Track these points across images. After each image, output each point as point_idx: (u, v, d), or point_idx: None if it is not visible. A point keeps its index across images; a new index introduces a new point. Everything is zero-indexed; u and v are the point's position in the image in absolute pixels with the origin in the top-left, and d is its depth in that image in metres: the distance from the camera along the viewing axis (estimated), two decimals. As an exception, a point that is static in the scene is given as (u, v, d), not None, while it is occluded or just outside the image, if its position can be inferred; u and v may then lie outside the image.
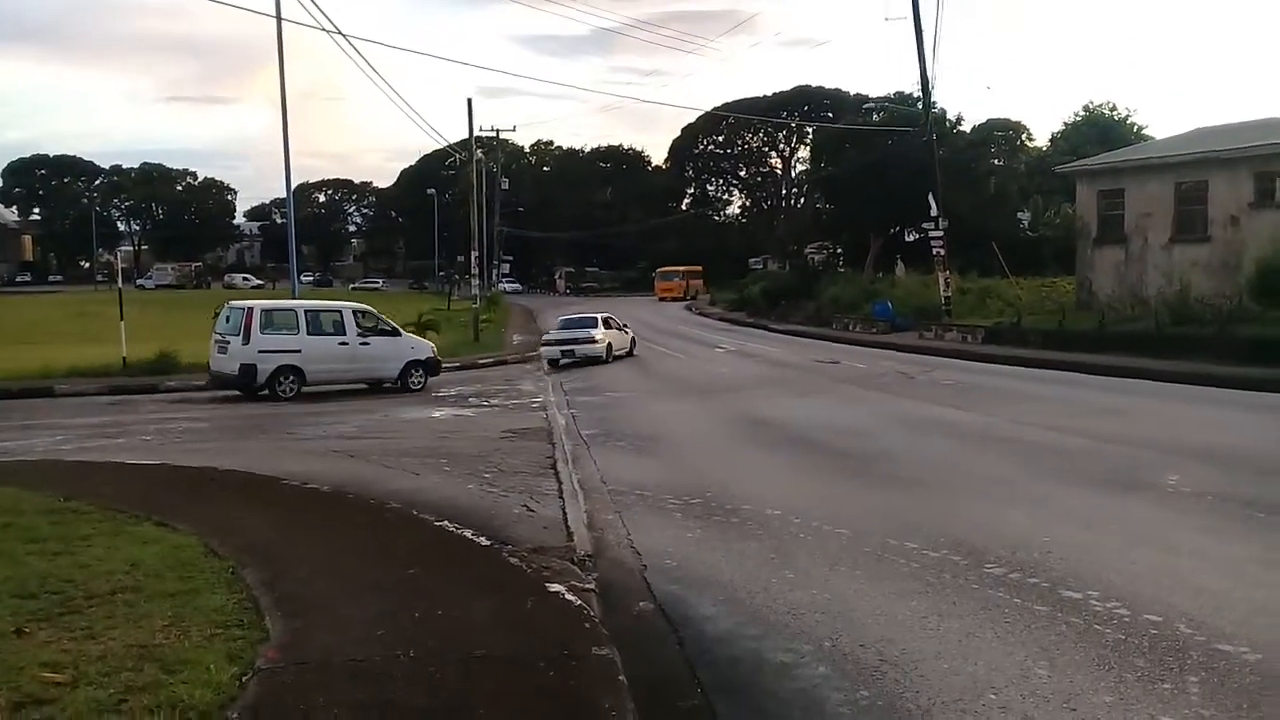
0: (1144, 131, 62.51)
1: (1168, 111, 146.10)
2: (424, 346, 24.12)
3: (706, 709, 5.40)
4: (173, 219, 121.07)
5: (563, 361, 30.85)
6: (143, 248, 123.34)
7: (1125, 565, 7.53)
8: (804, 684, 5.62)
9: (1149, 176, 31.86)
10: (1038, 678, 5.51)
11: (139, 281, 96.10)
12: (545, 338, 33.23)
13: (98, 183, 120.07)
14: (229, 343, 21.54)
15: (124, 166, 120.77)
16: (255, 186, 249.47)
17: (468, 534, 8.70)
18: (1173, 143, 36.84)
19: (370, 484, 11.37)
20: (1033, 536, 8.43)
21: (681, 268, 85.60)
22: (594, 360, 30.79)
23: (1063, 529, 8.69)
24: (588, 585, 7.33)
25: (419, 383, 23.31)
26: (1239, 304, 24.38)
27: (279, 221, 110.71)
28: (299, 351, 21.73)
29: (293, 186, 30.63)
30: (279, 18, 27.27)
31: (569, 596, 6.83)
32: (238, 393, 21.62)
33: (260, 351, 21.33)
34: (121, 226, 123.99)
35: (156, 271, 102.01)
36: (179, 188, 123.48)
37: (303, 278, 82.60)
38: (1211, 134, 33.95)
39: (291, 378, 21.49)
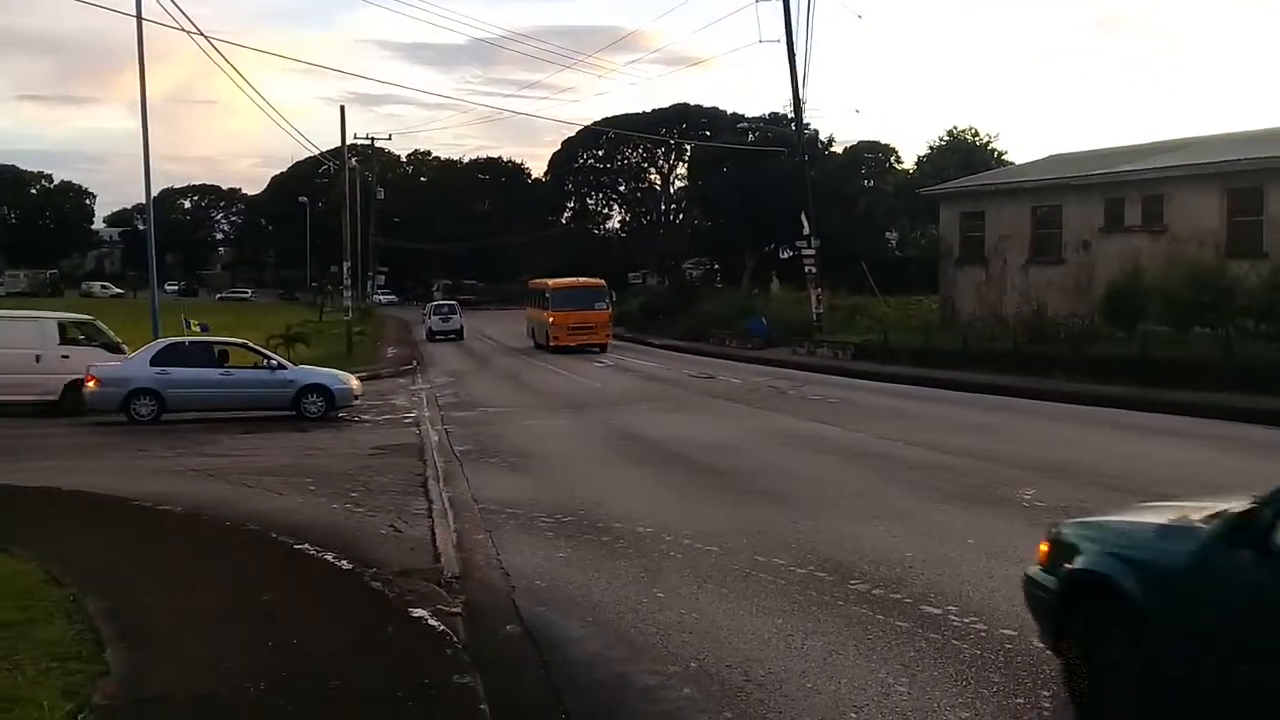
0: (1004, 156, 65.24)
1: (1026, 137, 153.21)
2: None
3: (569, 737, 5.31)
4: (26, 223, 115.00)
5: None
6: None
7: (983, 580, 7.74)
8: (669, 706, 5.59)
9: (1007, 201, 33.21)
10: (899, 695, 5.59)
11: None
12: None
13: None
14: None
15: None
16: (116, 191, 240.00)
17: (329, 557, 8.42)
18: (1029, 168, 38.56)
19: (228, 504, 10.93)
20: (894, 551, 8.60)
21: (594, 281, 44.08)
22: None
23: (924, 544, 8.89)
24: (453, 609, 7.16)
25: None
26: (1091, 324, 25.54)
27: (141, 228, 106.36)
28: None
29: (155, 192, 29.39)
30: (139, 17, 26.18)
31: (432, 621, 6.66)
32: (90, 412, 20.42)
33: None
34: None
35: (8, 278, 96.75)
36: (33, 190, 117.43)
37: (167, 286, 79.57)
38: (1065, 161, 35.61)
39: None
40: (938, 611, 6.99)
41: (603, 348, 40.31)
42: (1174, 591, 4.51)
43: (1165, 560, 4.62)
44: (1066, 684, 5.24)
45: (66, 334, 21.23)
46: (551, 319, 40.70)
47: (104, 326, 22.25)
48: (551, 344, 39.91)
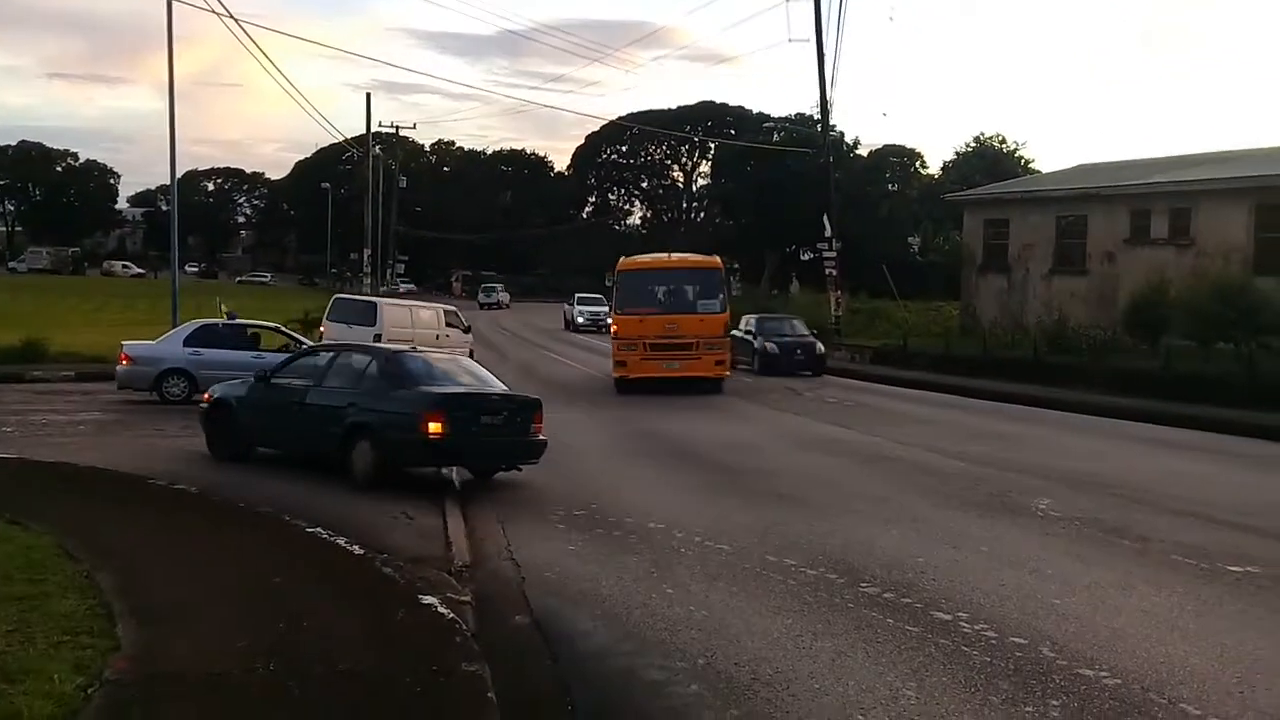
0: (1031, 165, 64.86)
1: (1053, 146, 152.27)
2: None
3: (575, 729, 5.32)
4: (50, 201, 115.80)
5: None
6: (17, 229, 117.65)
7: (994, 587, 7.70)
8: (676, 702, 5.57)
9: (1032, 209, 33.04)
10: (906, 699, 5.56)
11: (11, 265, 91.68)
12: None
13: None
14: None
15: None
16: (141, 171, 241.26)
17: (341, 542, 8.44)
18: (1056, 177, 38.39)
19: (242, 486, 10.96)
20: (907, 556, 8.57)
21: (701, 258, 26.25)
22: None
23: (936, 550, 8.85)
24: (463, 598, 7.17)
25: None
26: (1113, 336, 25.38)
27: (164, 209, 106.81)
28: None
29: (179, 173, 29.53)
30: (171, -2, 26.28)
31: (442, 609, 6.66)
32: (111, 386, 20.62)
33: None
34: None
35: (30, 255, 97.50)
36: (58, 168, 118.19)
37: (187, 268, 79.94)
38: (1092, 171, 35.44)
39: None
40: (948, 617, 6.95)
41: (717, 382, 23.33)
42: (245, 401, 12.61)
43: (242, 391, 12.77)
44: (206, 440, 13.05)
45: (445, 319, 26.63)
46: (616, 328, 24.14)
47: (460, 313, 28.46)
48: (616, 375, 23.44)
